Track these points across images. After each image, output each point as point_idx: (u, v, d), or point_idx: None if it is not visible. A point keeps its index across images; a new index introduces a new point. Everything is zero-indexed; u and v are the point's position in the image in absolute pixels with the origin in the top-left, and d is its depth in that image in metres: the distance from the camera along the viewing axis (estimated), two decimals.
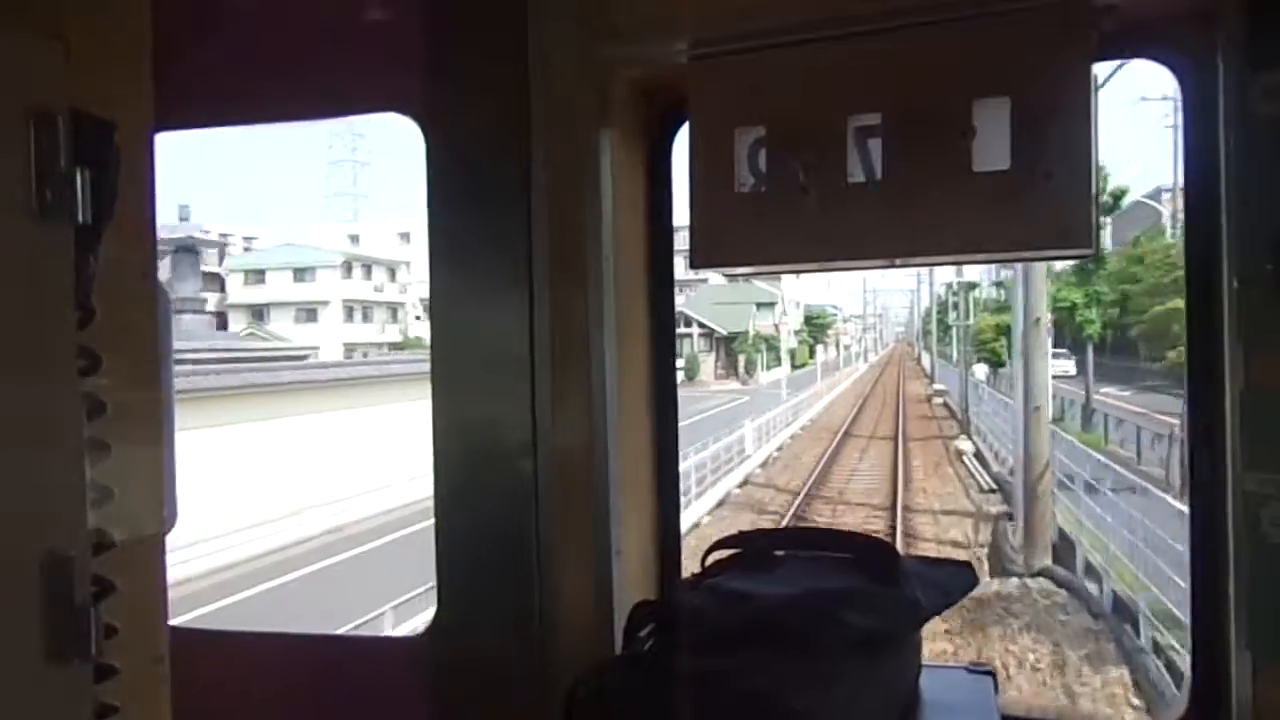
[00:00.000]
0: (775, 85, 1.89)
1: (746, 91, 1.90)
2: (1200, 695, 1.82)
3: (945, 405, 49.94)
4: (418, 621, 12.65)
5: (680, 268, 2.32)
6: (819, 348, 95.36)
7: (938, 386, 57.53)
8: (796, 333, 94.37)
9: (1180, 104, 1.82)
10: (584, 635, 1.98)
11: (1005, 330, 45.90)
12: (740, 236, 1.94)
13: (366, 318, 73.56)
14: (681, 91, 1.98)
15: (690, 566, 1.98)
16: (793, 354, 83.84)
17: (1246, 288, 1.63)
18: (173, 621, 1.42)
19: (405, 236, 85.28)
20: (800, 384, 58.61)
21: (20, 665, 1.12)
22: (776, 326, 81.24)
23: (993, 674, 1.89)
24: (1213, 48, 1.72)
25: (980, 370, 45.27)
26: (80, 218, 1.19)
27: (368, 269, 75.49)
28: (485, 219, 1.98)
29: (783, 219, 1.87)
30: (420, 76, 2.01)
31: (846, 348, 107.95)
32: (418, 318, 74.90)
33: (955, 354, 79.03)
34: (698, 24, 1.92)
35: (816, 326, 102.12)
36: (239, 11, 2.21)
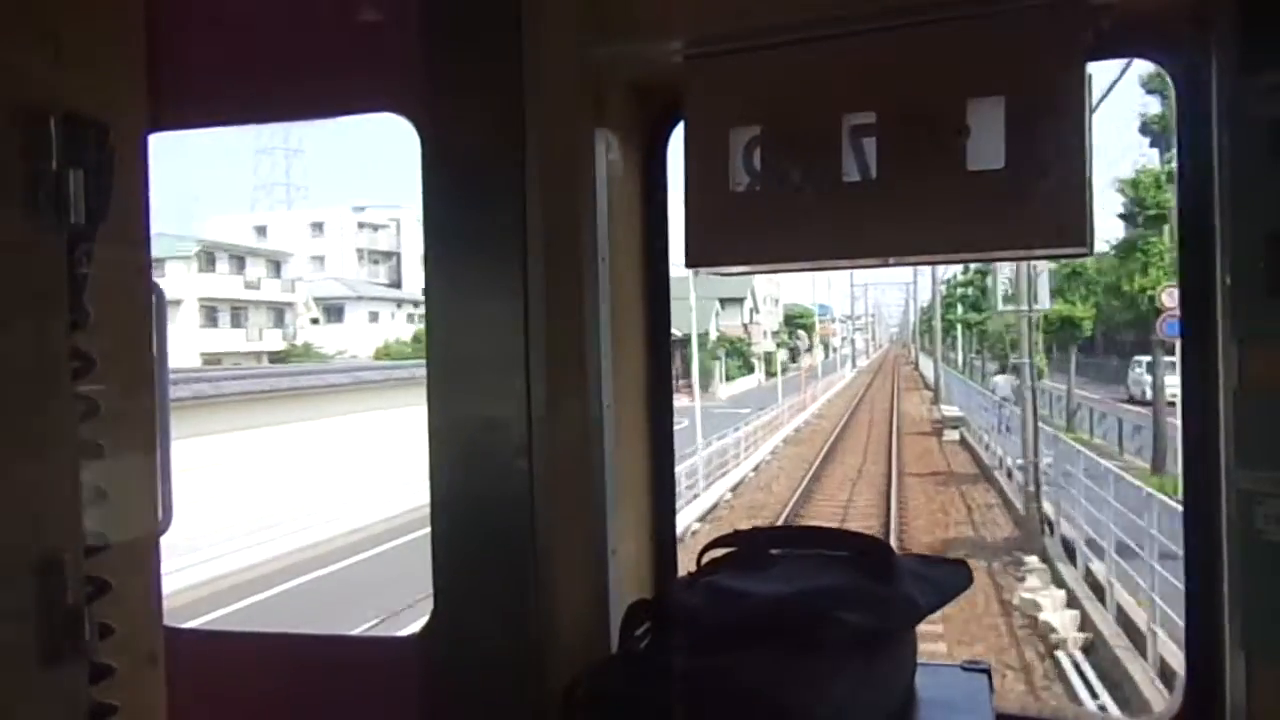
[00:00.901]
0: (770, 85, 1.89)
1: (741, 91, 1.90)
2: (1195, 693, 1.82)
3: (965, 447, 30.91)
4: None
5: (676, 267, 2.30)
6: (804, 351, 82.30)
7: (949, 410, 38.83)
8: (774, 334, 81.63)
9: (1174, 103, 1.83)
10: (580, 634, 1.98)
11: (1050, 326, 32.00)
12: (736, 235, 1.94)
13: (237, 321, 59.53)
14: (676, 91, 1.99)
15: (686, 565, 1.98)
16: (768, 359, 72.16)
17: (1240, 286, 1.63)
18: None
19: (318, 227, 76.05)
20: (767, 399, 43.03)
21: (14, 666, 1.12)
22: (746, 327, 69.01)
23: (988, 672, 1.90)
24: (1207, 48, 1.72)
25: (1003, 384, 31.69)
26: (73, 219, 1.19)
27: (239, 261, 61.02)
28: (480, 219, 1.98)
29: (778, 218, 1.87)
30: (415, 77, 2.01)
31: (836, 349, 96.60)
32: (314, 320, 65.04)
33: (961, 358, 64.45)
34: (692, 24, 1.93)
35: (799, 327, 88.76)
36: (234, 12, 2.21)
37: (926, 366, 73.63)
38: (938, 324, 54.34)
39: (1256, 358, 1.63)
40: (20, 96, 1.13)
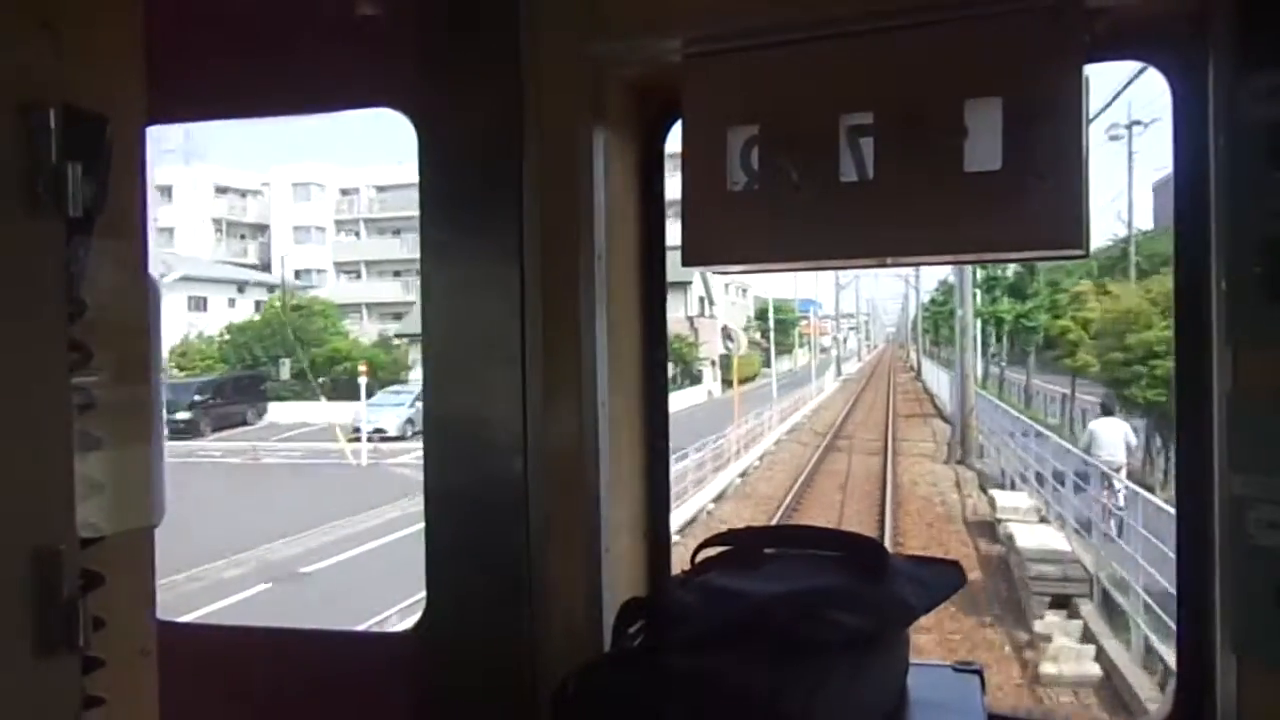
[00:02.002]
0: (768, 84, 1.89)
1: (739, 90, 1.90)
2: (1186, 697, 1.83)
3: None
4: None
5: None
6: (736, 353, 55.28)
7: (1010, 509, 17.20)
8: (743, 331, 61.95)
9: (1171, 106, 1.83)
10: (573, 632, 1.98)
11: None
12: (732, 235, 1.94)
13: None
14: (674, 90, 1.99)
15: (680, 564, 1.98)
16: (726, 364, 51.81)
17: (1234, 289, 1.64)
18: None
19: (165, 192, 61.92)
20: (707, 424, 28.42)
21: (7, 658, 1.12)
22: (692, 322, 52.36)
23: (980, 672, 1.90)
24: (1203, 50, 1.73)
25: (1110, 434, 16.26)
26: (71, 211, 1.19)
27: None
28: (478, 216, 1.98)
29: (775, 218, 1.88)
30: (413, 72, 2.01)
31: (826, 350, 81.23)
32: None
33: (983, 367, 42.40)
34: (691, 23, 1.93)
35: (777, 324, 69.47)
36: (232, 6, 2.21)
37: (931, 375, 57.33)
38: (967, 314, 30.32)
39: (1250, 362, 1.63)
40: (20, 88, 1.13)
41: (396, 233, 65.70)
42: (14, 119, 1.13)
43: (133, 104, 1.33)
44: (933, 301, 64.87)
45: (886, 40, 1.80)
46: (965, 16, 1.74)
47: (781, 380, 53.88)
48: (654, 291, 2.28)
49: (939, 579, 1.82)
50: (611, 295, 2.05)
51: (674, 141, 2.15)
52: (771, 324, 63.33)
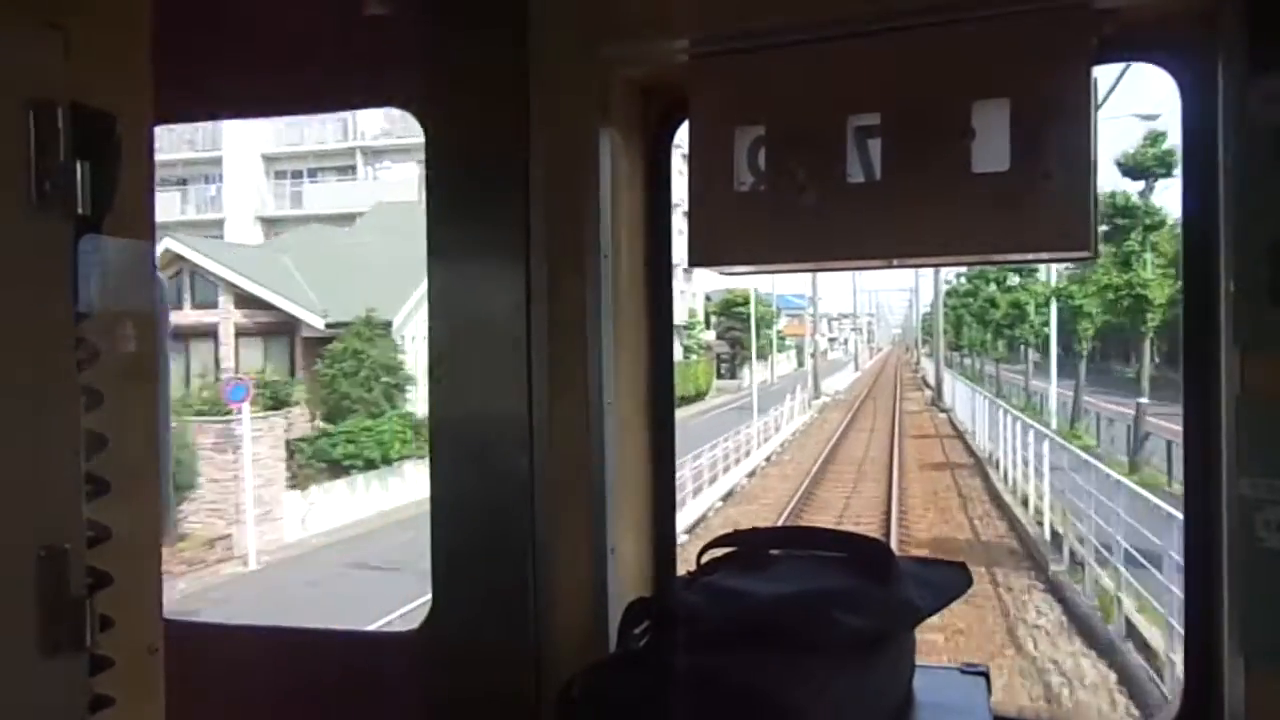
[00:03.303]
0: (775, 85, 1.89)
1: (746, 91, 1.90)
2: (1193, 698, 1.83)
3: None
4: None
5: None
6: (750, 361, 48.25)
7: None
8: (687, 328, 51.35)
9: (1180, 108, 1.83)
10: (578, 632, 1.98)
11: None
12: (739, 235, 1.94)
13: None
14: (681, 90, 1.99)
15: (686, 564, 1.98)
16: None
17: (1243, 293, 1.63)
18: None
19: None
20: None
21: (15, 657, 1.12)
22: None
23: (986, 674, 1.90)
24: (1213, 53, 1.72)
25: None
26: (80, 209, 1.19)
27: None
28: (484, 215, 1.98)
29: (782, 218, 1.88)
30: (421, 72, 2.02)
31: (817, 354, 63.01)
32: None
33: (1054, 398, 28.71)
34: (698, 23, 1.93)
35: (739, 319, 56.17)
36: (239, 5, 2.21)
37: (961, 402, 39.16)
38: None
39: (1258, 365, 1.63)
40: (28, 87, 1.14)
41: (181, 183, 46.52)
42: (23, 117, 1.13)
43: (141, 102, 1.33)
44: (952, 293, 50.52)
45: (894, 41, 1.80)
46: (974, 17, 1.74)
47: (740, 401, 40.86)
48: (660, 292, 2.28)
49: (946, 581, 1.82)
50: (617, 295, 2.05)
51: (681, 141, 2.14)
52: (811, 320, 47.01)
